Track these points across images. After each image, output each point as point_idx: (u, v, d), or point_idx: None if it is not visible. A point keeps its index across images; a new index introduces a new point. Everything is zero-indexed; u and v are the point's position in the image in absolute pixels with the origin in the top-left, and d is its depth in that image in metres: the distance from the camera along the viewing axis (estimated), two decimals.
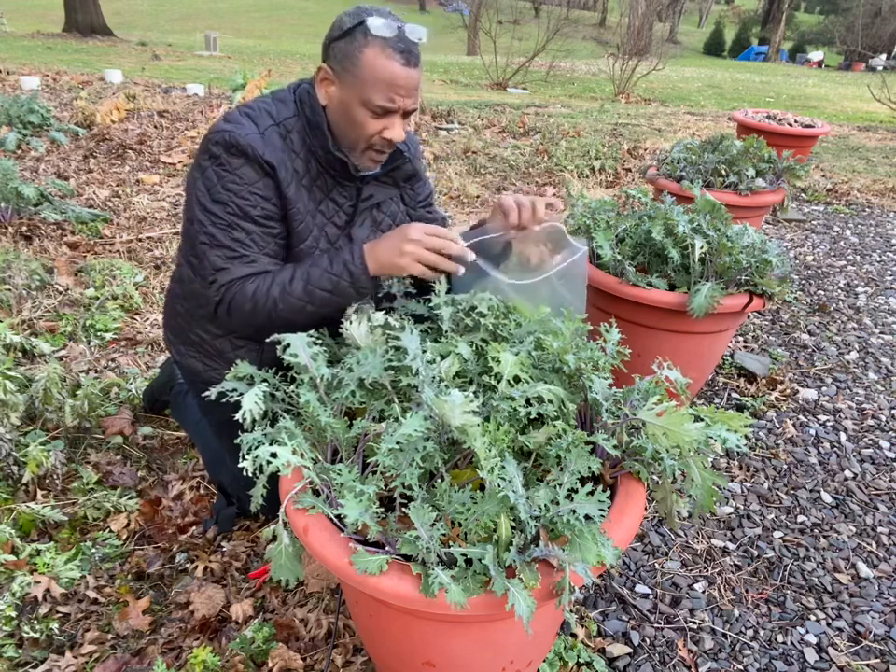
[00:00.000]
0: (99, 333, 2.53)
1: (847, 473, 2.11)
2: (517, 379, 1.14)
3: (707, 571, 1.72)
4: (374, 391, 1.17)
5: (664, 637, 1.53)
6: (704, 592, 1.66)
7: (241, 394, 1.14)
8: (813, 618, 1.60)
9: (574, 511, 0.93)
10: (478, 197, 4.54)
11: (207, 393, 1.19)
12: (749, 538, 1.84)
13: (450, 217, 4.14)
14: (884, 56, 23.71)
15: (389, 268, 1.20)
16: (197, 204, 1.26)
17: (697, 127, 7.77)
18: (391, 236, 1.21)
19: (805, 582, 1.70)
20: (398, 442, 0.98)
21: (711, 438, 1.04)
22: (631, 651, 1.49)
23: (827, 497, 2.00)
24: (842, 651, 1.53)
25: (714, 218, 2.10)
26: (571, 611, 1.54)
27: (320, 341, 1.23)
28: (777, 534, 1.86)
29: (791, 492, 2.02)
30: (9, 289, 2.63)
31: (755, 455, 2.19)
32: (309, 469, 1.02)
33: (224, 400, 1.17)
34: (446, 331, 1.26)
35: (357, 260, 1.21)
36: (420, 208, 1.60)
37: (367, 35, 1.18)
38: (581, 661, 1.43)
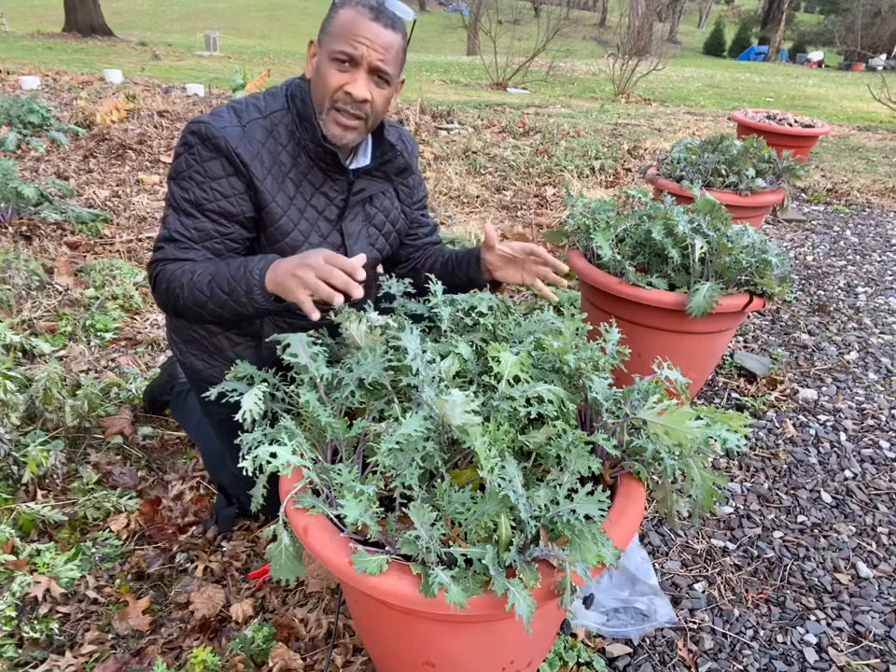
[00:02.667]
0: (99, 333, 2.53)
1: (847, 473, 2.11)
2: (517, 379, 1.14)
3: (707, 571, 1.72)
4: (374, 391, 1.17)
5: (664, 637, 1.53)
6: (704, 592, 1.66)
7: (241, 394, 1.14)
8: (813, 618, 1.60)
9: (574, 511, 0.93)
10: (478, 197, 4.54)
11: (207, 393, 1.19)
12: (749, 538, 1.84)
13: (450, 217, 4.14)
14: (884, 56, 23.71)
15: (281, 287, 1.15)
16: (169, 183, 1.31)
17: (697, 127, 7.77)
18: (297, 256, 1.17)
19: (804, 582, 1.70)
20: (398, 442, 0.98)
21: (711, 438, 1.04)
22: (631, 651, 1.49)
23: (827, 497, 2.00)
24: (842, 651, 1.53)
25: (714, 218, 2.10)
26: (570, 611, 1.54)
27: (320, 341, 1.23)
28: (777, 534, 1.86)
29: (791, 492, 2.02)
30: (9, 289, 2.63)
31: (755, 454, 2.19)
32: (309, 468, 1.02)
33: (225, 400, 1.17)
34: (445, 331, 1.27)
35: (257, 273, 1.18)
36: (415, 210, 1.60)
37: (347, 3, 1.24)
38: (581, 661, 1.43)
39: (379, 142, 1.44)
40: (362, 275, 1.10)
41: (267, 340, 1.24)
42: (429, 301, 1.31)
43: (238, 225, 1.31)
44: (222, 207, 1.28)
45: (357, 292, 1.09)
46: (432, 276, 1.34)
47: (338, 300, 1.08)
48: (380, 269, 1.70)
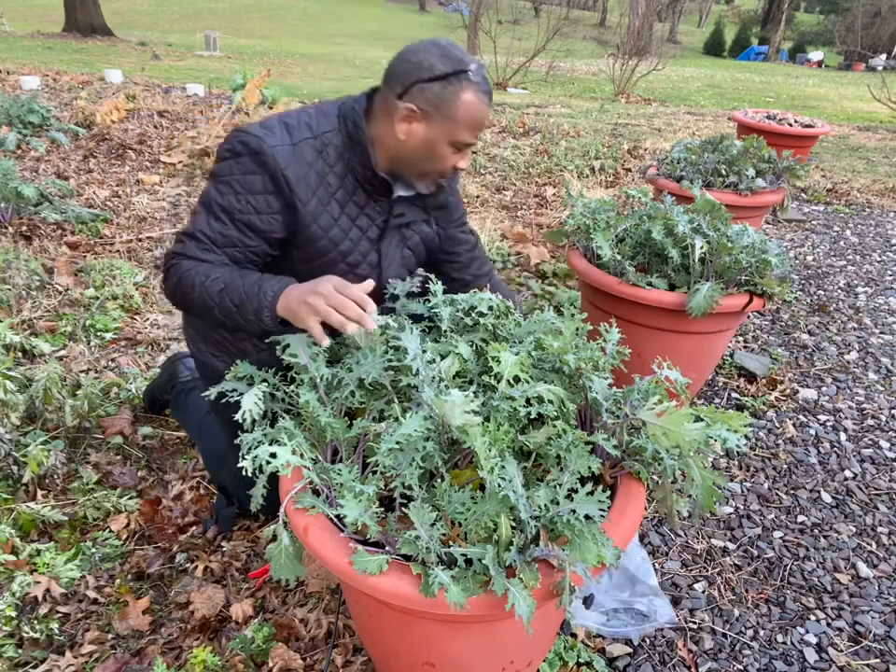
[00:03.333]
0: (99, 333, 2.53)
1: (847, 473, 2.11)
2: (517, 379, 1.14)
3: (707, 571, 1.72)
4: (374, 391, 1.17)
5: (664, 637, 1.53)
6: (704, 592, 1.66)
7: (241, 394, 1.14)
8: (813, 618, 1.60)
9: (574, 511, 0.93)
10: (478, 197, 4.54)
11: (207, 392, 1.19)
12: (749, 538, 1.84)
13: None
14: (884, 56, 23.70)
15: (292, 313, 1.16)
16: (209, 182, 1.32)
17: (697, 127, 7.77)
18: (308, 283, 1.17)
19: (804, 582, 1.70)
20: (398, 442, 0.98)
21: (711, 438, 1.04)
22: (631, 651, 1.49)
23: (827, 497, 2.00)
24: (842, 651, 1.53)
25: (714, 218, 2.10)
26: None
27: None
28: (777, 534, 1.86)
29: (791, 492, 2.02)
30: (9, 289, 2.63)
31: (755, 454, 2.19)
32: (309, 469, 1.02)
33: (224, 400, 1.17)
34: (445, 331, 1.27)
35: (270, 295, 1.18)
36: (452, 228, 1.61)
37: (463, 81, 1.23)
38: (581, 661, 1.43)
39: None
40: (373, 307, 1.11)
41: (266, 340, 1.23)
42: (429, 301, 1.31)
43: (263, 241, 1.32)
44: (252, 221, 1.28)
45: (372, 326, 1.10)
46: (432, 276, 1.34)
47: (351, 328, 1.09)
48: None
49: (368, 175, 1.33)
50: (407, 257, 1.51)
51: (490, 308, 1.27)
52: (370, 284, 1.15)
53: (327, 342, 1.12)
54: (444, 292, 1.34)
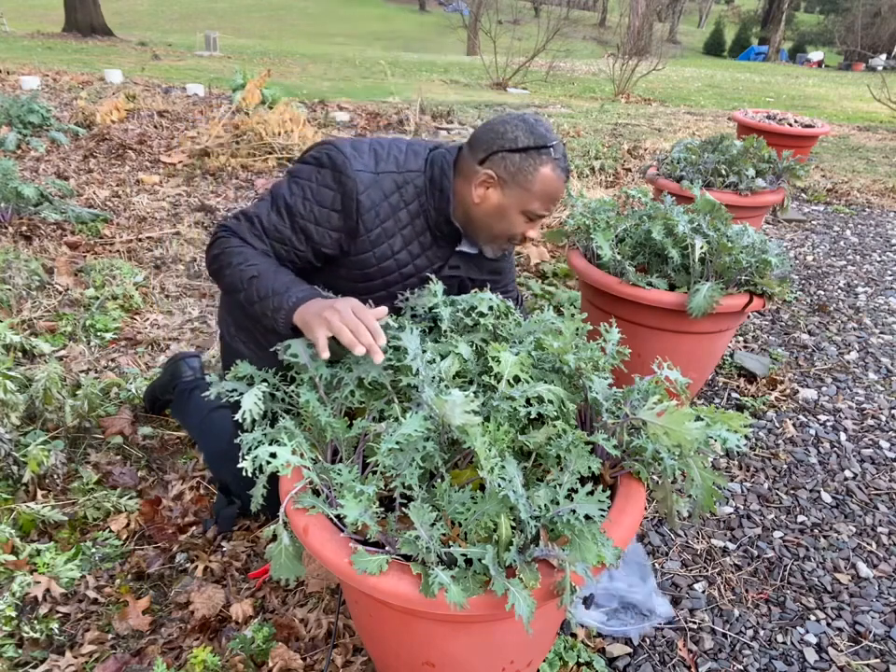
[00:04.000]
0: (99, 333, 2.53)
1: (847, 473, 2.11)
2: (517, 379, 1.14)
3: (707, 571, 1.72)
4: (374, 391, 1.17)
5: (664, 637, 1.53)
6: (704, 592, 1.66)
7: (241, 394, 1.14)
8: (813, 618, 1.60)
9: (574, 511, 0.93)
10: None
11: (206, 393, 1.20)
12: (749, 538, 1.84)
13: None
14: (884, 56, 23.70)
15: (306, 324, 1.16)
16: (286, 174, 1.36)
17: (697, 127, 7.77)
18: (328, 300, 1.19)
19: (804, 582, 1.70)
20: (398, 442, 0.98)
21: (711, 438, 1.04)
22: (631, 651, 1.49)
23: (827, 497, 2.00)
24: (842, 651, 1.53)
25: (714, 218, 2.10)
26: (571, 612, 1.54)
27: None
28: (777, 534, 1.86)
29: (791, 492, 2.02)
30: (9, 289, 2.63)
31: (755, 454, 2.19)
32: (309, 468, 1.02)
33: (224, 400, 1.17)
34: (446, 331, 1.27)
35: (293, 300, 1.19)
36: (495, 287, 1.62)
37: (543, 155, 1.28)
38: (581, 661, 1.43)
39: None
40: (383, 340, 1.11)
41: (271, 350, 1.24)
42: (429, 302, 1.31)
43: (311, 251, 1.34)
44: (308, 228, 1.31)
45: (379, 358, 1.10)
46: (432, 276, 1.34)
47: (358, 350, 1.09)
48: None
49: (440, 221, 1.37)
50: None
51: (490, 308, 1.27)
52: (383, 311, 1.16)
53: (326, 354, 1.12)
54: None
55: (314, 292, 1.23)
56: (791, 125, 4.66)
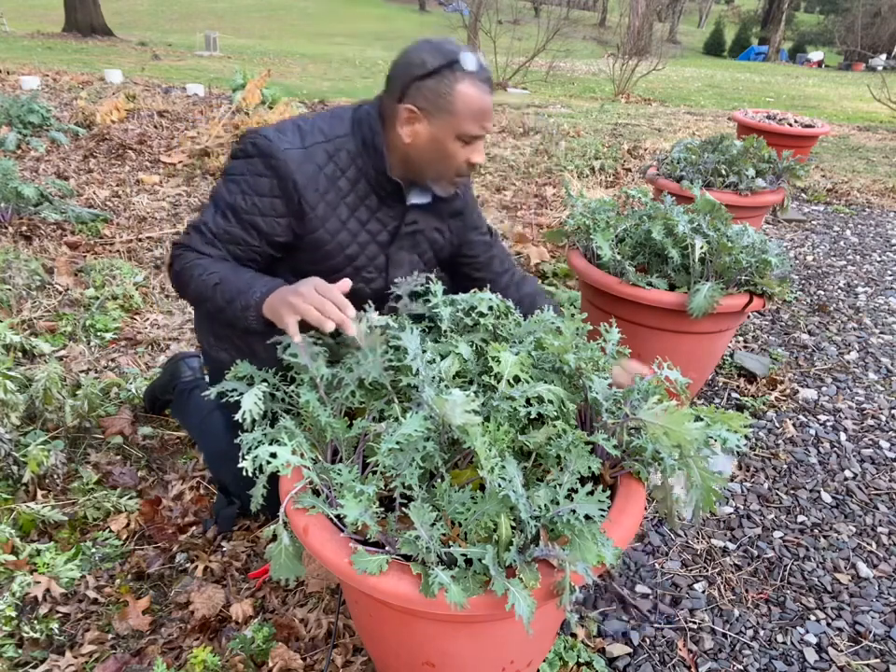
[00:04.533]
0: (99, 333, 2.53)
1: (847, 473, 2.11)
2: (517, 379, 1.14)
3: (707, 571, 1.72)
4: (374, 391, 1.17)
5: (664, 636, 1.53)
6: (704, 592, 1.66)
7: (241, 394, 1.14)
8: (813, 618, 1.60)
9: (574, 511, 0.93)
10: (478, 197, 4.54)
11: (207, 392, 1.20)
12: (749, 538, 1.84)
13: None
14: (884, 56, 23.69)
15: (274, 313, 1.17)
16: (221, 177, 1.34)
17: (697, 127, 7.77)
18: (292, 285, 1.18)
19: (804, 582, 1.70)
20: (398, 442, 0.98)
21: (711, 438, 1.04)
22: (631, 651, 1.49)
23: (827, 497, 2.00)
24: (842, 651, 1.53)
25: (714, 218, 2.09)
26: (571, 611, 1.54)
27: (320, 341, 1.23)
28: (777, 534, 1.86)
29: (791, 492, 2.02)
30: (9, 289, 2.63)
31: (755, 454, 2.19)
32: (309, 468, 1.02)
33: (224, 400, 1.17)
34: (446, 331, 1.27)
35: (258, 295, 1.20)
36: (468, 233, 1.60)
37: (456, 72, 1.22)
38: (581, 661, 1.43)
39: None
40: (352, 312, 1.12)
41: (268, 342, 1.23)
42: (429, 301, 1.31)
43: (266, 243, 1.33)
44: (256, 222, 1.30)
45: (352, 331, 1.11)
46: (432, 276, 1.34)
47: (328, 326, 1.09)
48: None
49: (380, 180, 1.33)
50: (415, 262, 1.52)
51: (490, 308, 1.27)
52: (346, 283, 1.16)
53: (298, 338, 1.12)
54: (464, 291, 1.35)
55: (277, 283, 1.22)
56: (791, 125, 4.66)
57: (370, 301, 1.31)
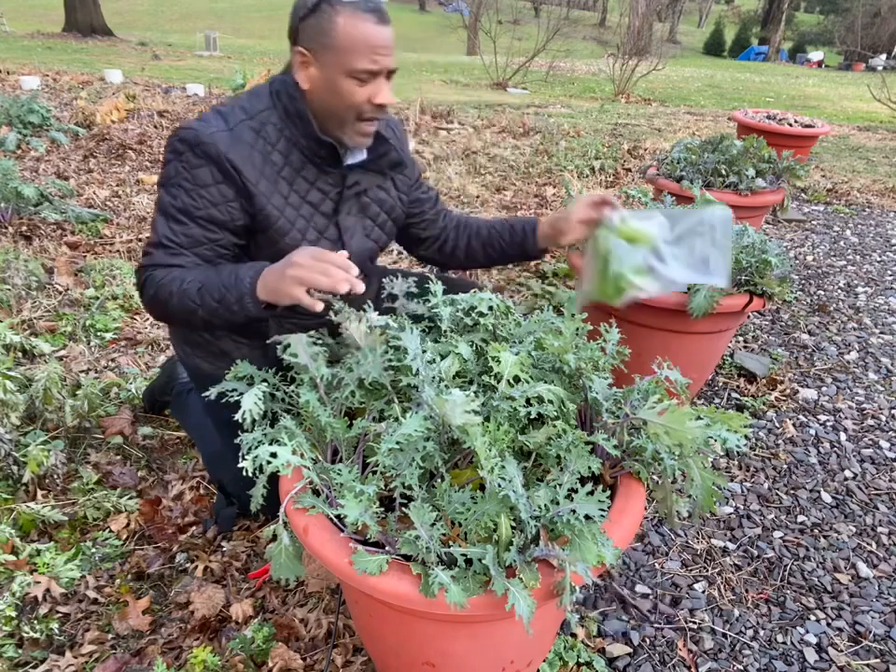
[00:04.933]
0: (99, 333, 2.53)
1: (847, 473, 2.11)
2: (517, 379, 1.14)
3: (707, 571, 1.72)
4: (374, 391, 1.17)
5: (664, 637, 1.53)
6: (704, 592, 1.66)
7: (241, 394, 1.14)
8: (813, 618, 1.60)
9: (574, 511, 0.93)
10: (478, 197, 4.54)
11: (207, 392, 1.19)
12: (749, 538, 1.84)
13: None
14: (884, 56, 23.71)
15: (274, 293, 1.14)
16: (159, 189, 1.29)
17: (697, 127, 7.77)
18: (281, 261, 1.16)
19: (804, 582, 1.70)
20: (398, 442, 0.98)
21: (711, 438, 1.04)
22: (631, 651, 1.49)
23: (827, 497, 2.00)
24: (842, 651, 1.53)
25: None
26: (571, 611, 1.54)
27: (320, 341, 1.23)
28: (777, 534, 1.86)
29: (791, 492, 2.02)
30: (9, 289, 2.63)
31: (755, 454, 2.19)
32: (309, 468, 1.02)
33: (225, 399, 1.17)
34: (445, 331, 1.27)
35: (248, 281, 1.17)
36: (413, 191, 1.59)
37: (335, 5, 1.18)
38: (581, 661, 1.43)
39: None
40: (355, 270, 1.09)
41: (268, 341, 1.23)
42: (429, 301, 1.31)
43: (228, 232, 1.30)
44: (211, 215, 1.27)
45: (361, 287, 1.08)
46: (431, 276, 1.34)
47: (343, 287, 1.06)
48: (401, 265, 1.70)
49: (312, 146, 1.30)
50: (369, 227, 1.48)
51: (490, 308, 1.27)
52: (345, 254, 1.13)
53: (320, 306, 1.09)
54: (429, 261, 1.33)
55: (261, 265, 1.20)
56: (791, 125, 4.66)
57: (369, 302, 1.30)
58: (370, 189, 1.45)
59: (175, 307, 1.23)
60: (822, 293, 3.44)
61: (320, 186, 1.36)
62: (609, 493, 1.01)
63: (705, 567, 1.73)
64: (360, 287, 1.08)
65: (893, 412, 2.44)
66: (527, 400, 1.10)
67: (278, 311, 1.20)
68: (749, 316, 3.05)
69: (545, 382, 1.15)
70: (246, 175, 1.26)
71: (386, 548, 0.98)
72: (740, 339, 2.90)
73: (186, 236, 1.26)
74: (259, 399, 1.11)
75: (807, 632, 1.56)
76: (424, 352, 1.15)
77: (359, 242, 1.46)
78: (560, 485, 0.98)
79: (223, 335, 1.46)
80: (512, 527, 0.94)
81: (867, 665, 1.49)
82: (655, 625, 1.55)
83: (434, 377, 1.11)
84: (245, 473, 0.98)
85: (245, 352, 1.46)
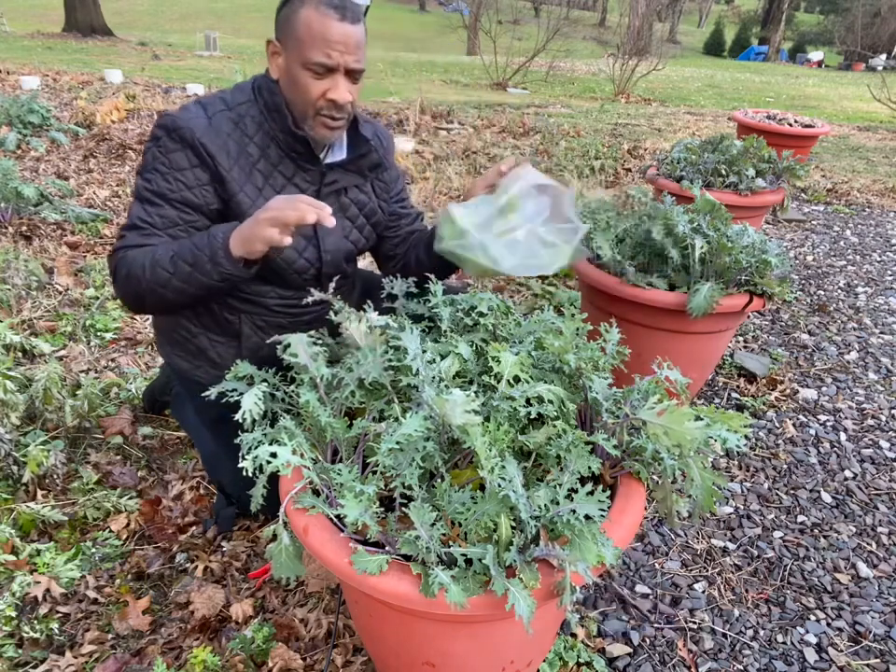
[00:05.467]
0: (99, 333, 2.53)
1: (847, 473, 2.11)
2: (517, 379, 1.14)
3: (707, 571, 1.72)
4: (374, 391, 1.17)
5: (664, 637, 1.53)
6: (704, 592, 1.66)
7: (240, 394, 1.14)
8: (813, 618, 1.60)
9: (574, 511, 0.93)
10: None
11: (207, 393, 1.19)
12: (749, 538, 1.84)
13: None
14: (884, 56, 23.70)
15: (249, 241, 1.13)
16: (136, 177, 1.32)
17: (697, 127, 7.77)
18: (252, 215, 1.16)
19: (804, 582, 1.70)
20: (398, 442, 0.98)
21: (711, 438, 1.04)
22: (631, 650, 1.49)
23: (827, 497, 2.00)
24: (842, 651, 1.53)
25: (714, 218, 2.09)
26: (571, 611, 1.54)
27: (320, 341, 1.23)
28: (777, 534, 1.86)
29: (791, 492, 2.02)
30: (9, 289, 2.63)
31: (755, 454, 2.19)
32: (309, 468, 1.02)
33: (224, 400, 1.17)
34: (445, 331, 1.26)
35: (220, 236, 1.17)
36: (393, 203, 1.59)
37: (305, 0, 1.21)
38: (581, 661, 1.43)
39: (354, 137, 1.44)
40: (329, 209, 1.10)
41: (268, 341, 1.23)
42: (429, 301, 1.31)
43: (202, 215, 1.31)
44: (186, 198, 1.28)
45: (332, 222, 1.08)
46: (432, 277, 1.34)
47: (311, 217, 1.07)
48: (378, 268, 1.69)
49: (288, 140, 1.32)
50: (347, 228, 1.48)
51: (490, 308, 1.27)
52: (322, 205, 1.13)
53: (288, 240, 1.10)
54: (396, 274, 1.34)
55: (232, 224, 1.20)
56: (791, 125, 4.66)
57: (306, 274, 1.33)
58: (349, 188, 1.46)
59: (147, 282, 1.22)
60: (822, 293, 3.44)
61: (297, 182, 1.37)
62: (609, 493, 1.01)
63: (705, 567, 1.73)
64: (331, 222, 1.08)
65: (893, 412, 2.44)
66: (527, 400, 1.10)
67: (252, 271, 1.20)
68: (748, 316, 3.05)
69: (545, 382, 1.15)
70: (220, 160, 1.28)
71: (386, 548, 0.98)
72: (740, 339, 2.90)
73: (160, 217, 1.28)
74: (259, 399, 1.11)
75: (807, 632, 1.56)
76: (424, 352, 1.15)
77: (336, 241, 1.46)
78: (560, 485, 0.98)
79: (199, 332, 1.46)
80: (512, 527, 0.94)
81: (867, 665, 1.49)
82: (655, 625, 1.55)
83: (434, 377, 1.11)
84: (244, 473, 0.98)
85: (221, 350, 1.47)
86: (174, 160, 1.27)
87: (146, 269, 1.22)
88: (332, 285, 1.29)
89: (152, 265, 1.21)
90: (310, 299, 1.22)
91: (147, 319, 2.70)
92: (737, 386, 2.55)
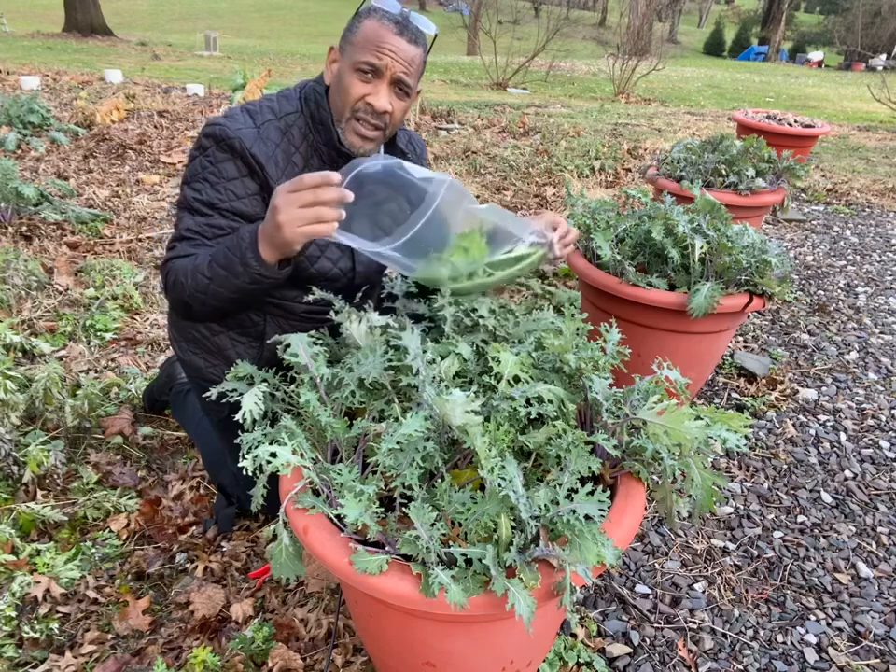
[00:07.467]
0: (99, 333, 2.53)
1: (847, 473, 2.11)
2: (517, 379, 1.14)
3: (707, 571, 1.72)
4: (374, 391, 1.17)
5: (664, 637, 1.53)
6: (704, 592, 1.66)
7: (241, 394, 1.14)
8: (813, 618, 1.60)
9: (574, 511, 0.93)
10: (478, 197, 4.54)
11: (208, 393, 1.19)
12: (749, 538, 1.84)
13: None
14: (884, 56, 23.72)
15: (277, 244, 1.11)
16: (182, 187, 1.32)
17: (697, 127, 7.77)
18: (268, 212, 1.13)
19: (805, 582, 1.70)
20: (398, 442, 0.98)
21: (711, 438, 1.04)
22: (631, 650, 1.49)
23: (827, 497, 2.00)
24: (842, 651, 1.53)
25: (714, 218, 2.09)
26: (571, 611, 1.54)
27: (320, 341, 1.23)
28: (777, 534, 1.86)
29: (791, 492, 2.02)
30: (9, 289, 2.63)
31: (755, 454, 2.19)
32: (309, 468, 1.02)
33: (225, 399, 1.17)
34: (446, 331, 1.26)
35: (247, 235, 1.16)
36: None
37: (370, 11, 1.26)
38: (581, 661, 1.43)
39: (390, 150, 1.46)
40: (338, 178, 1.07)
41: (269, 341, 1.24)
42: (431, 302, 1.31)
43: (250, 223, 1.30)
44: (235, 207, 1.29)
45: (349, 196, 1.06)
46: None
47: (342, 215, 1.06)
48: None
49: (332, 154, 1.34)
50: (379, 237, 1.49)
51: (491, 311, 1.27)
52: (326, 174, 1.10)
53: (341, 214, 1.07)
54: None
55: (257, 223, 1.17)
56: (790, 125, 4.66)
57: (337, 283, 1.31)
58: (383, 201, 1.47)
59: (190, 289, 1.23)
60: (822, 293, 3.44)
61: None
62: (609, 493, 1.01)
63: (705, 567, 1.73)
64: (350, 197, 1.06)
65: (893, 412, 2.44)
66: (527, 400, 1.10)
67: (284, 272, 1.18)
68: (749, 316, 3.05)
69: (545, 382, 1.15)
70: (268, 171, 1.29)
71: (386, 548, 0.98)
72: (740, 339, 2.90)
73: (209, 226, 1.28)
74: (260, 399, 1.11)
75: (807, 632, 1.56)
76: (424, 352, 1.15)
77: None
78: (560, 485, 0.98)
79: (220, 331, 1.46)
80: (512, 527, 0.94)
81: (867, 665, 1.49)
82: (655, 625, 1.55)
83: (434, 377, 1.11)
84: (245, 473, 0.98)
85: (241, 350, 1.47)
86: (223, 170, 1.27)
87: (188, 275, 1.23)
88: (359, 294, 1.29)
89: (193, 272, 1.23)
90: (310, 297, 1.22)
91: (148, 320, 2.70)
92: (737, 386, 2.55)
